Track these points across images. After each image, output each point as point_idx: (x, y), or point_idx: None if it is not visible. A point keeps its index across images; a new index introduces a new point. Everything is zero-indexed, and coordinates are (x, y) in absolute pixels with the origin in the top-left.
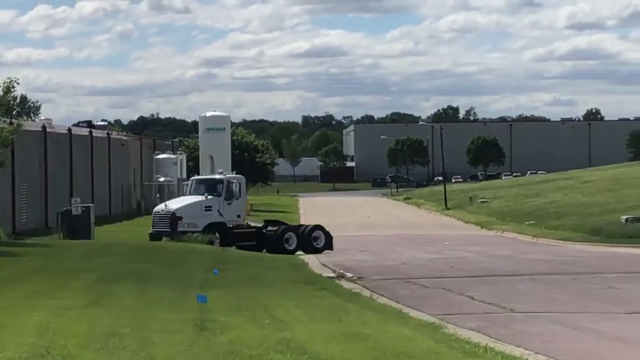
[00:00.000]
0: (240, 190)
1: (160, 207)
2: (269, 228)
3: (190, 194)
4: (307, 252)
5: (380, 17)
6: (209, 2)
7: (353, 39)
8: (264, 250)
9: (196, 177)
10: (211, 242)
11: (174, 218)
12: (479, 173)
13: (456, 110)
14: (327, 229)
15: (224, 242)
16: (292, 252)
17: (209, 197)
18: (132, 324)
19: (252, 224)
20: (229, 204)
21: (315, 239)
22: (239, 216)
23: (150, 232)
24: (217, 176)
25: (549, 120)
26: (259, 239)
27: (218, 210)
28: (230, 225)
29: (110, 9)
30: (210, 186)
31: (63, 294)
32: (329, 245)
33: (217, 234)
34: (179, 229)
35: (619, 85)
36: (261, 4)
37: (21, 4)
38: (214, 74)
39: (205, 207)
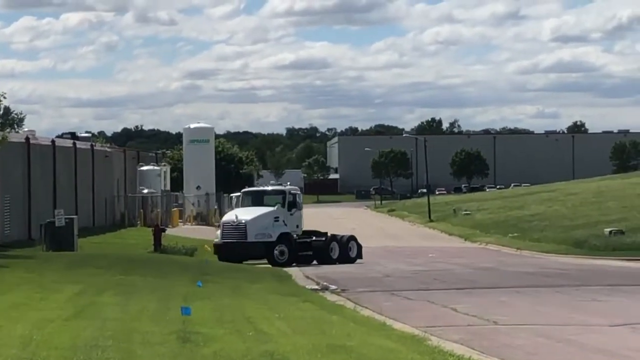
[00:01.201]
0: (300, 201)
1: (230, 217)
2: (314, 238)
3: (241, 205)
4: (341, 261)
5: (365, 29)
6: (194, 14)
7: (337, 51)
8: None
9: (248, 189)
10: (282, 253)
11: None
12: (463, 185)
13: (440, 122)
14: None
15: (291, 253)
16: (335, 261)
17: (281, 207)
18: (115, 336)
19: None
20: (291, 214)
21: (350, 249)
22: (297, 226)
23: (216, 242)
24: (278, 187)
25: (532, 132)
26: (310, 249)
27: (283, 221)
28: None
29: (95, 20)
30: (268, 197)
31: (46, 306)
32: (359, 254)
33: (285, 246)
34: (252, 239)
35: (603, 97)
36: (246, 16)
37: (6, 16)
38: (198, 86)
39: (274, 217)
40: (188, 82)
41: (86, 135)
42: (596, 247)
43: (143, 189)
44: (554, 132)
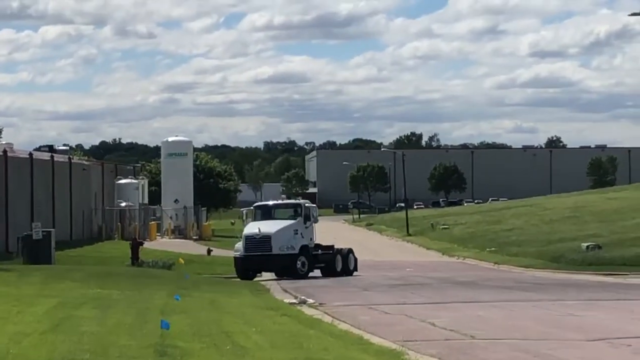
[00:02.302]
0: (316, 214)
1: (252, 231)
2: (320, 251)
3: (253, 219)
4: (342, 274)
5: (344, 43)
6: (173, 27)
7: (316, 65)
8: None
9: (260, 203)
10: (303, 264)
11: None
12: (441, 199)
13: (419, 136)
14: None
15: (310, 265)
16: (339, 273)
17: (300, 220)
18: (92, 350)
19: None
20: (306, 227)
21: (349, 262)
22: (311, 239)
23: (237, 255)
24: (292, 201)
25: (510, 147)
26: (319, 261)
27: (301, 233)
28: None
29: (74, 33)
30: (279, 211)
31: (23, 319)
32: (355, 267)
33: (305, 258)
34: (277, 252)
35: (581, 112)
36: (225, 30)
37: None
38: (176, 99)
39: (294, 230)
40: (166, 95)
41: (64, 148)
42: (573, 261)
43: (121, 202)
44: (531, 147)
